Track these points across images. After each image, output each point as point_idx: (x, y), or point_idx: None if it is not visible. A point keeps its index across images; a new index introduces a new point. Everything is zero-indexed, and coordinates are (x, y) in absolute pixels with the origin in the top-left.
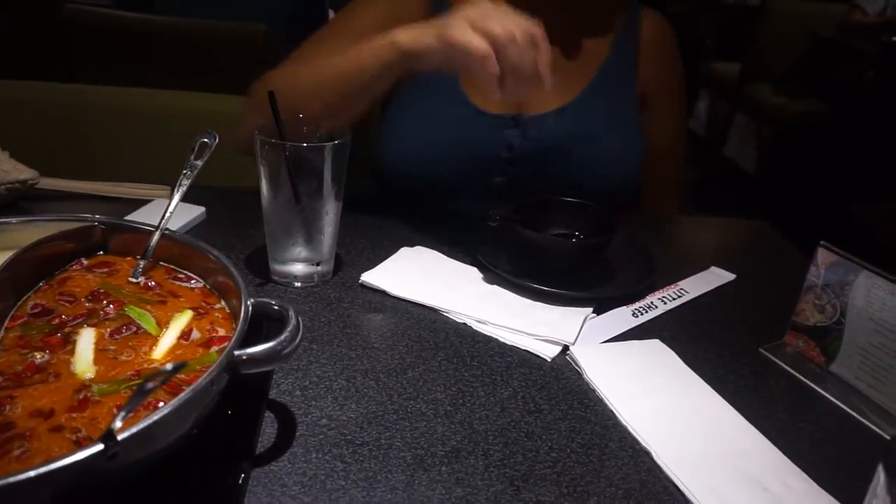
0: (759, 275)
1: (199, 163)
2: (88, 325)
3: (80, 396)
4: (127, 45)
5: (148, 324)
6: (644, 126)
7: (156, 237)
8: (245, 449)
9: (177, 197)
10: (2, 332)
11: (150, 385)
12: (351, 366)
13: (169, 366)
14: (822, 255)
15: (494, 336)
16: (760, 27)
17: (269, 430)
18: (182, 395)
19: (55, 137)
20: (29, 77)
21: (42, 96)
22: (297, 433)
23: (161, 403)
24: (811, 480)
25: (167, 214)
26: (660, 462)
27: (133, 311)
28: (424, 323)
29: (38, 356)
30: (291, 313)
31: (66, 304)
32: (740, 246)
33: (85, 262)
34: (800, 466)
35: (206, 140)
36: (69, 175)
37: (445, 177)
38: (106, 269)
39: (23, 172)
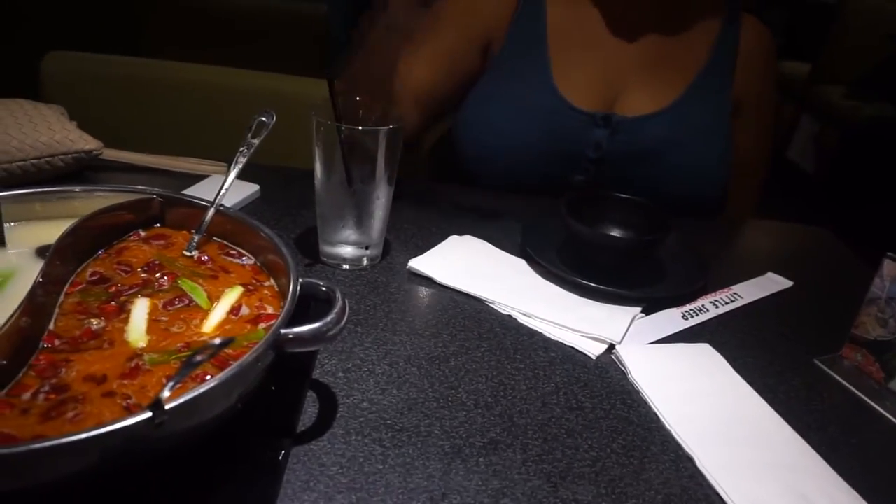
0: (818, 283)
1: (256, 141)
2: (143, 296)
3: (132, 364)
4: (192, 22)
5: (199, 297)
6: (734, 133)
7: (210, 213)
8: (286, 427)
9: (233, 174)
10: (62, 296)
11: (199, 358)
12: (394, 351)
13: (217, 340)
14: (888, 267)
15: (539, 330)
16: (836, 26)
17: (310, 409)
18: (228, 370)
19: (120, 110)
20: (98, 50)
21: (109, 70)
22: (338, 414)
23: (208, 376)
24: (862, 499)
25: (223, 191)
26: (702, 469)
27: (186, 284)
28: (469, 312)
29: (94, 322)
30: (338, 295)
31: (123, 274)
32: (800, 253)
33: (142, 233)
34: (851, 485)
35: (263, 119)
36: (131, 147)
37: (527, 167)
38: (162, 241)
39: (88, 143)
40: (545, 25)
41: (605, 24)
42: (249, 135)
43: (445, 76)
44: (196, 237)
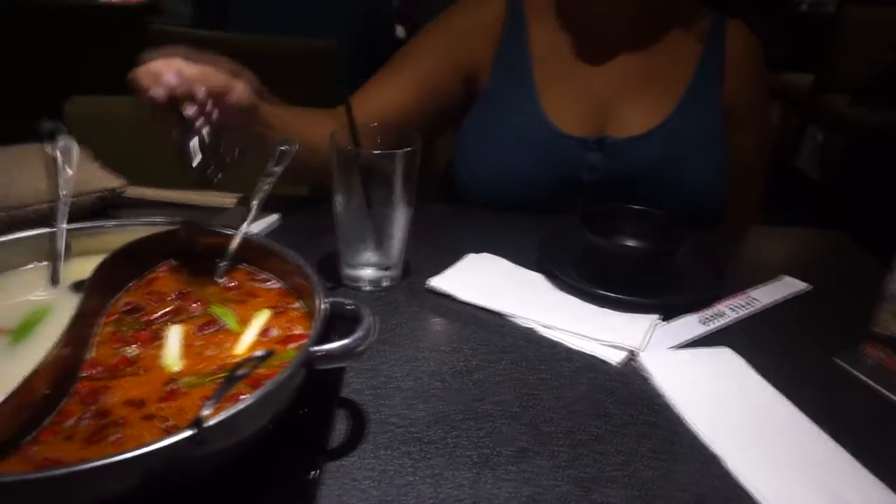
0: (834, 285)
1: (279, 169)
2: (175, 323)
3: (169, 388)
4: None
5: (230, 321)
6: (730, 140)
7: (237, 239)
8: (318, 444)
9: (256, 202)
10: (98, 327)
11: (241, 372)
12: (419, 367)
13: (259, 352)
14: None
15: (560, 341)
16: (835, 36)
17: (340, 426)
18: (264, 387)
19: (141, 149)
20: (117, 93)
21: (129, 111)
22: (368, 430)
23: (243, 396)
24: (893, 492)
25: (249, 218)
26: (732, 469)
27: (216, 310)
28: (491, 327)
29: (129, 350)
30: (365, 312)
31: (154, 303)
32: (813, 256)
33: (172, 263)
34: (882, 481)
35: (284, 148)
36: (153, 185)
37: (525, 196)
38: (191, 271)
39: (112, 181)
40: (529, 53)
41: (589, 47)
42: (272, 164)
43: (423, 99)
44: (223, 264)
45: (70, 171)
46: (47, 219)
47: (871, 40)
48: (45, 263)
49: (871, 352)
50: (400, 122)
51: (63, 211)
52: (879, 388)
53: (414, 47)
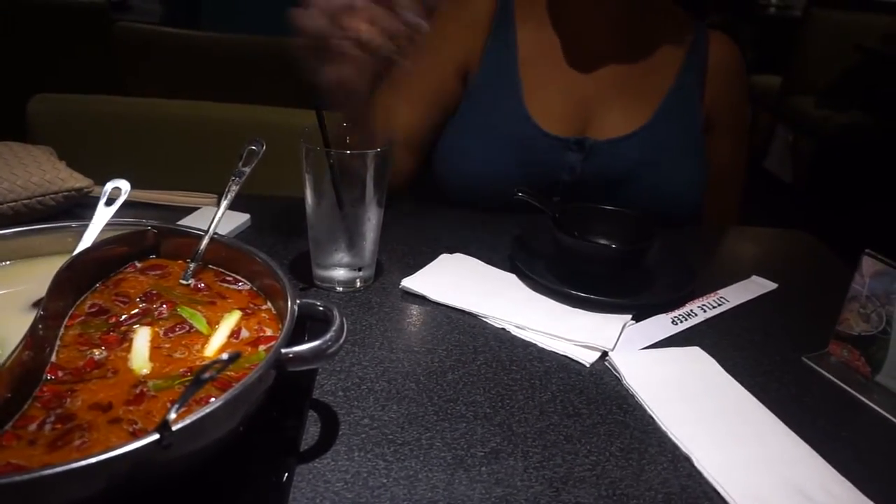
0: (802, 284)
1: (247, 169)
2: (143, 324)
3: (137, 391)
4: (174, 59)
5: (199, 323)
6: (707, 148)
7: (205, 241)
8: (290, 446)
9: (225, 202)
10: (62, 329)
11: (207, 375)
12: (392, 368)
13: (225, 355)
14: (867, 264)
15: (533, 341)
16: (802, 39)
17: (312, 429)
18: (233, 389)
19: (108, 148)
20: (82, 91)
21: (95, 109)
22: (340, 432)
23: (212, 399)
24: (856, 489)
25: (216, 219)
26: (700, 467)
27: (185, 311)
28: (464, 328)
29: (96, 353)
30: (336, 313)
31: (121, 304)
32: (782, 256)
33: (138, 264)
34: (844, 476)
35: (253, 147)
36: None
37: (504, 193)
38: (158, 272)
39: (78, 181)
40: (516, 52)
41: (573, 48)
42: (241, 164)
43: (430, 112)
44: (192, 265)
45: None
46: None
47: (836, 43)
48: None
49: (836, 350)
50: (412, 139)
51: None
52: (844, 386)
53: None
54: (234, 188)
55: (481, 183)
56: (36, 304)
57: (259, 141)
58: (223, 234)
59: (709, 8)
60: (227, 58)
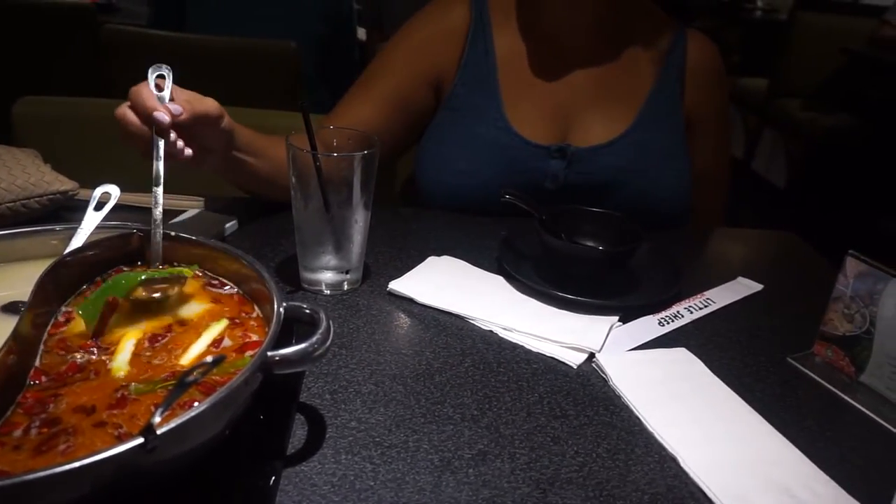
0: (787, 285)
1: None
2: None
3: (119, 395)
4: (161, 61)
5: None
6: (690, 150)
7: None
8: (276, 450)
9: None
10: (45, 335)
11: (191, 378)
12: (379, 370)
13: (209, 358)
14: (851, 264)
15: (520, 343)
16: (788, 42)
17: (299, 432)
18: (218, 393)
19: (93, 151)
20: (69, 93)
21: (81, 111)
22: (327, 435)
23: (196, 403)
24: (840, 488)
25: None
26: (686, 468)
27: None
28: (451, 330)
29: (77, 356)
30: (322, 316)
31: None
32: (768, 257)
33: (125, 268)
34: (829, 475)
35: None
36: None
37: (487, 202)
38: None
39: (63, 184)
40: (494, 61)
41: (550, 55)
42: None
43: (393, 116)
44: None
45: (164, 97)
46: (12, 219)
47: (822, 46)
48: None
49: (820, 350)
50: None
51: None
52: (828, 385)
53: (381, 63)
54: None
55: (464, 192)
56: (8, 307)
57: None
58: (207, 236)
59: (694, 11)
60: (213, 60)
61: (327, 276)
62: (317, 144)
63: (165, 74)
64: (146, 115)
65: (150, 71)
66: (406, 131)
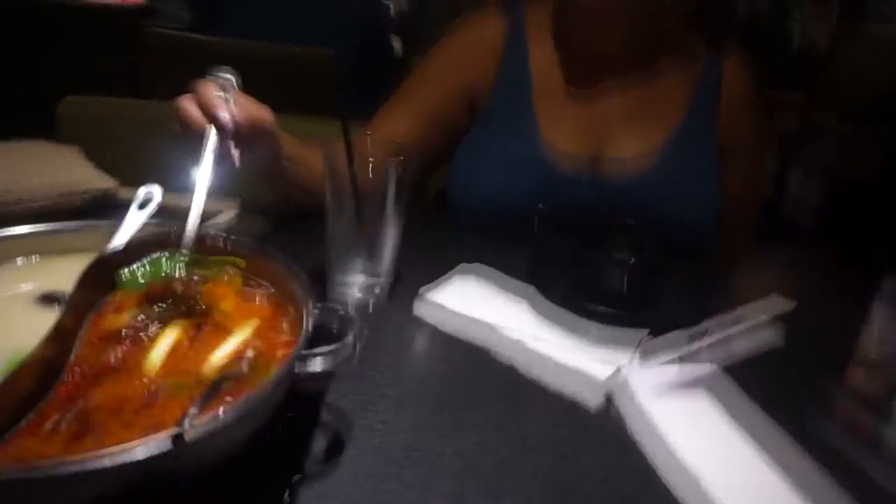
0: (822, 308)
1: None
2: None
3: (148, 395)
4: (199, 65)
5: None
6: (722, 173)
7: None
8: (304, 450)
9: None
10: (83, 329)
11: (225, 382)
12: (407, 375)
13: (244, 367)
14: (889, 286)
15: (548, 354)
16: (825, 79)
17: (326, 432)
18: (249, 396)
19: (134, 151)
20: (110, 93)
21: (123, 112)
22: (353, 435)
23: (221, 409)
24: None
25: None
26: (709, 489)
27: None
28: (479, 338)
29: (114, 353)
30: (355, 318)
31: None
32: (803, 279)
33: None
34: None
35: None
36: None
37: (518, 218)
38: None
39: (104, 182)
40: (529, 76)
41: (586, 74)
42: None
43: (429, 131)
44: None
45: (231, 100)
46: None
47: (860, 85)
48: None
49: (854, 373)
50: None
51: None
52: (859, 412)
53: (419, 77)
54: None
55: (496, 207)
56: (45, 298)
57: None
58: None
59: (730, 40)
60: (250, 64)
61: (357, 283)
62: (354, 155)
63: (232, 78)
64: (209, 112)
65: (216, 71)
66: (441, 146)
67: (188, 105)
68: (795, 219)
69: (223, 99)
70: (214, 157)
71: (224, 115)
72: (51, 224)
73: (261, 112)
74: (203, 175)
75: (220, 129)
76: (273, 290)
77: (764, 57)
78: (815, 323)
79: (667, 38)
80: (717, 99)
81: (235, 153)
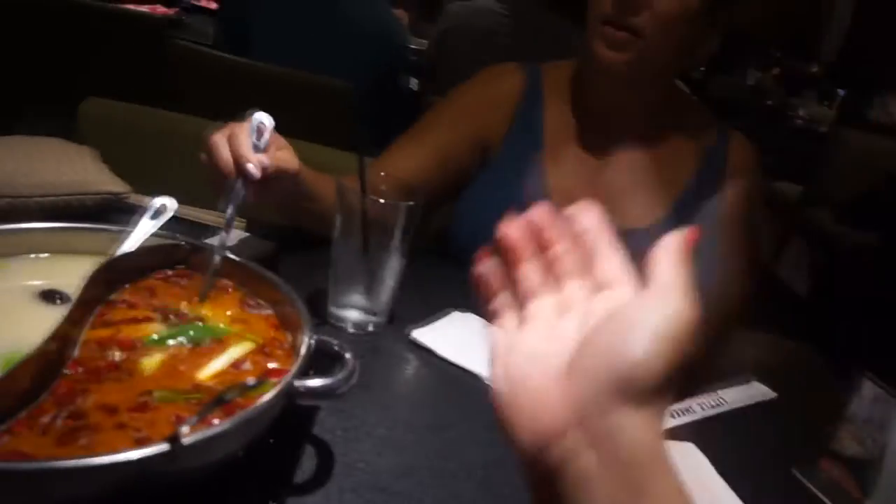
0: (800, 395)
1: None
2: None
3: (142, 399)
4: (222, 82)
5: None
6: (717, 245)
7: (217, 259)
8: (284, 478)
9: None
10: (86, 326)
11: (229, 396)
12: (392, 416)
13: (251, 380)
14: (867, 387)
15: None
16: (827, 154)
17: (308, 463)
18: (242, 413)
19: (150, 158)
20: (131, 100)
21: (143, 119)
22: (334, 472)
23: (216, 421)
24: None
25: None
26: None
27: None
28: (467, 386)
29: (116, 355)
30: (349, 355)
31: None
32: (783, 365)
33: (169, 272)
34: None
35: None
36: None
37: None
38: (185, 281)
39: (117, 185)
40: (541, 132)
41: (598, 135)
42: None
43: (438, 171)
44: (206, 288)
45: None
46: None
47: (861, 163)
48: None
49: (827, 467)
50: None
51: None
52: None
53: (432, 119)
54: (257, 168)
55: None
56: (45, 295)
57: (262, 114)
58: (247, 259)
59: (735, 113)
60: (271, 88)
61: (354, 315)
62: (366, 188)
63: (268, 124)
64: (239, 163)
65: (253, 116)
66: (447, 187)
67: (220, 147)
68: (791, 285)
69: (254, 147)
70: (234, 197)
71: (253, 170)
72: (63, 223)
73: (287, 161)
74: (229, 226)
75: (247, 179)
76: (271, 313)
77: (768, 126)
78: (795, 409)
79: (680, 109)
80: (723, 172)
81: (255, 195)
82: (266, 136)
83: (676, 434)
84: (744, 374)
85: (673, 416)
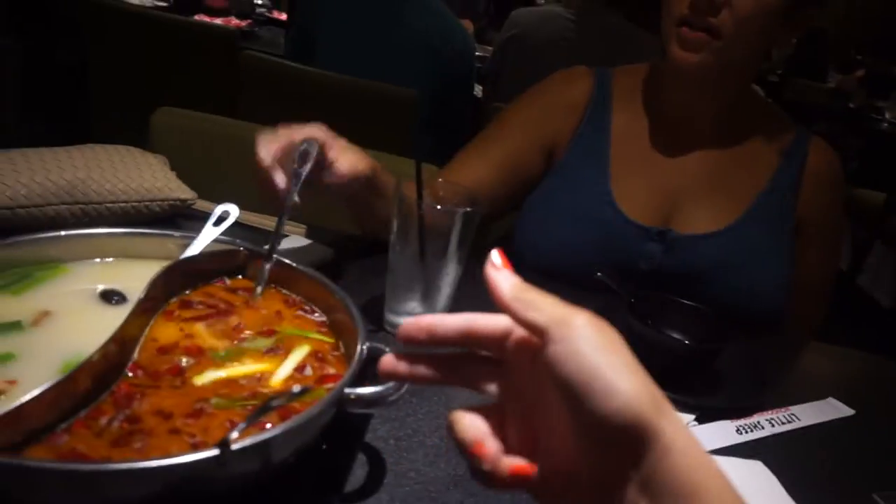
0: (881, 413)
1: (303, 170)
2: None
3: (198, 406)
4: (291, 92)
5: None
6: (798, 255)
7: (267, 266)
8: (335, 486)
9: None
10: (147, 328)
11: (276, 402)
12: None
13: (296, 388)
14: None
15: None
16: None
17: (359, 471)
18: (292, 420)
19: (216, 165)
20: (203, 109)
21: (212, 128)
22: (386, 480)
23: (268, 425)
24: None
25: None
26: None
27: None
28: None
29: (184, 360)
30: None
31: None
32: (862, 380)
33: (227, 281)
34: None
35: (303, 147)
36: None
37: (579, 273)
38: (243, 292)
39: (185, 193)
40: (609, 137)
41: (668, 139)
42: (296, 165)
43: (503, 178)
44: (260, 288)
45: (303, 172)
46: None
47: None
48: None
49: None
50: (484, 196)
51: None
52: None
53: (499, 127)
54: (296, 192)
55: (559, 260)
56: (104, 294)
57: (311, 142)
58: (305, 265)
59: (814, 114)
60: (337, 96)
61: None
62: (424, 194)
63: (312, 152)
64: (283, 193)
65: (298, 150)
66: (513, 194)
67: (267, 175)
68: (873, 295)
69: (295, 174)
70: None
71: (288, 205)
72: (127, 228)
73: (358, 168)
74: (278, 237)
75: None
76: (326, 320)
77: (852, 129)
78: (875, 428)
79: (756, 112)
80: (801, 178)
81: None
82: (308, 165)
83: (743, 451)
84: (820, 389)
85: (740, 432)
